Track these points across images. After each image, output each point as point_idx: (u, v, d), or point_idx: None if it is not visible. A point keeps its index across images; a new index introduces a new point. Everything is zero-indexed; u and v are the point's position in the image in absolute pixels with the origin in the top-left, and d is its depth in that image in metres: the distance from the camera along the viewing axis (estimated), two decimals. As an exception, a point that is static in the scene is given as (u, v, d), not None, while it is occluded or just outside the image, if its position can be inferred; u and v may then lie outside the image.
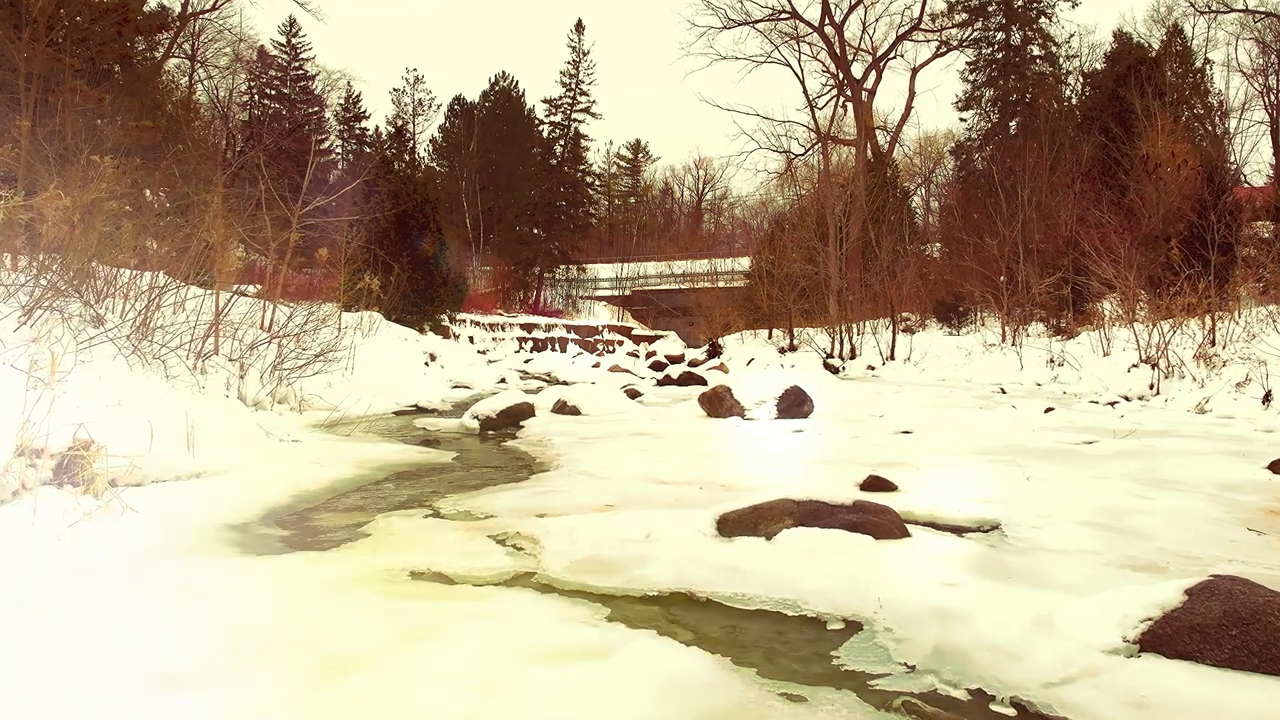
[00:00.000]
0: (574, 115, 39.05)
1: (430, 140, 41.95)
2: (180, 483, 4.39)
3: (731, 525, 3.34)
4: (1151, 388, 10.48)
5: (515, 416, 8.07)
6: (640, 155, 55.09)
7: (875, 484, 4.37)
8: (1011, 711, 2.00)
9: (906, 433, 7.28)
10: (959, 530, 3.82)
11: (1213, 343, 10.49)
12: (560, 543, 3.32)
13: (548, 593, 2.79)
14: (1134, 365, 11.26)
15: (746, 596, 2.76)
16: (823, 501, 3.36)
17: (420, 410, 9.79)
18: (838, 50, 31.32)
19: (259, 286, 10.67)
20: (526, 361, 22.26)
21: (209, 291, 7.56)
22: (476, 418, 7.98)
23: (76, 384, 4.56)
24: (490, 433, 7.72)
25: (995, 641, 2.33)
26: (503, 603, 2.62)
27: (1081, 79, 28.15)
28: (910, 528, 3.56)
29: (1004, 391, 12.26)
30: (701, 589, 2.83)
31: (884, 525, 3.27)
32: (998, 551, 3.41)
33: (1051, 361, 13.86)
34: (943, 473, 5.19)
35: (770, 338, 25.87)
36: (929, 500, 4.25)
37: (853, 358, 20.29)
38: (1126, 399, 10.31)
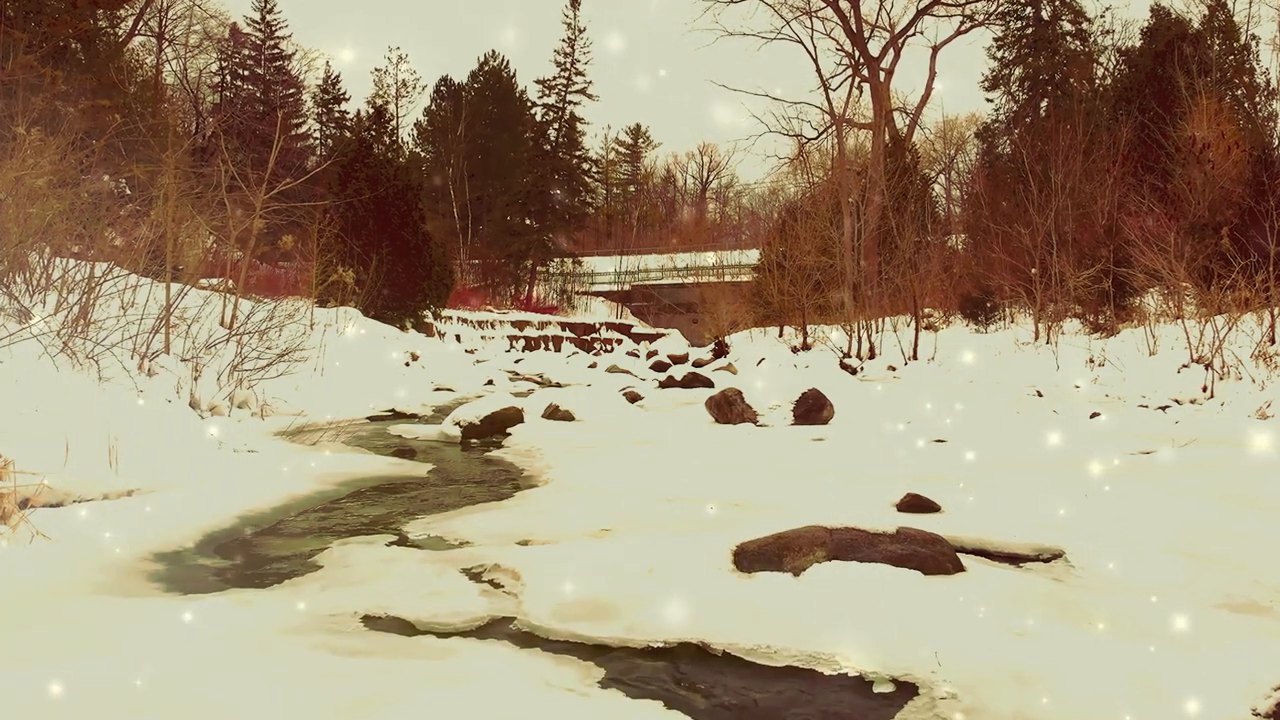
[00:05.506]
0: (569, 97, 38.76)
1: (415, 124, 41.63)
2: (108, 502, 4.03)
3: (751, 558, 2.97)
4: (1205, 390, 10.10)
5: (502, 423, 7.72)
6: (640, 140, 54.74)
7: (914, 504, 4.01)
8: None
9: (939, 441, 6.93)
10: (1016, 559, 3.46)
11: (1272, 340, 10.12)
12: (546, 578, 2.96)
13: (528, 645, 2.43)
14: (1184, 365, 10.89)
15: (772, 649, 2.40)
16: (860, 529, 2.99)
17: (397, 415, 9.44)
18: (853, 26, 30.97)
19: (221, 279, 10.34)
20: (517, 362, 21.91)
21: (154, 282, 7.20)
22: (458, 424, 7.63)
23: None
24: (473, 441, 7.37)
25: (1093, 715, 1.97)
26: (471, 660, 2.26)
27: (1117, 56, 27.79)
28: (960, 557, 3.20)
29: (1040, 394, 11.89)
30: (717, 639, 2.47)
31: (934, 558, 2.91)
32: (1068, 588, 3.05)
33: (1091, 361, 13.49)
34: (987, 488, 4.82)
35: (781, 336, 25.51)
36: (977, 522, 3.89)
37: (872, 357, 19.92)
38: (1178, 403, 9.94)
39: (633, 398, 10.39)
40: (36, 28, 15.33)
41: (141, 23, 27.59)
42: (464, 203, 37.38)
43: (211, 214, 9.75)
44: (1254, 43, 25.59)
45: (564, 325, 33.03)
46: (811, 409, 8.04)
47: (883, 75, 31.07)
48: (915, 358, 18.85)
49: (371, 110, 31.49)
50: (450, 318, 24.85)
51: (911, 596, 2.71)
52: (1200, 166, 16.37)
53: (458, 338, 24.02)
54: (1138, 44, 25.28)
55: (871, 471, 5.35)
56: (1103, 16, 29.88)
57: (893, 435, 7.35)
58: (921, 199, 25.02)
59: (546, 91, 38.88)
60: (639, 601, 2.73)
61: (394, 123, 38.41)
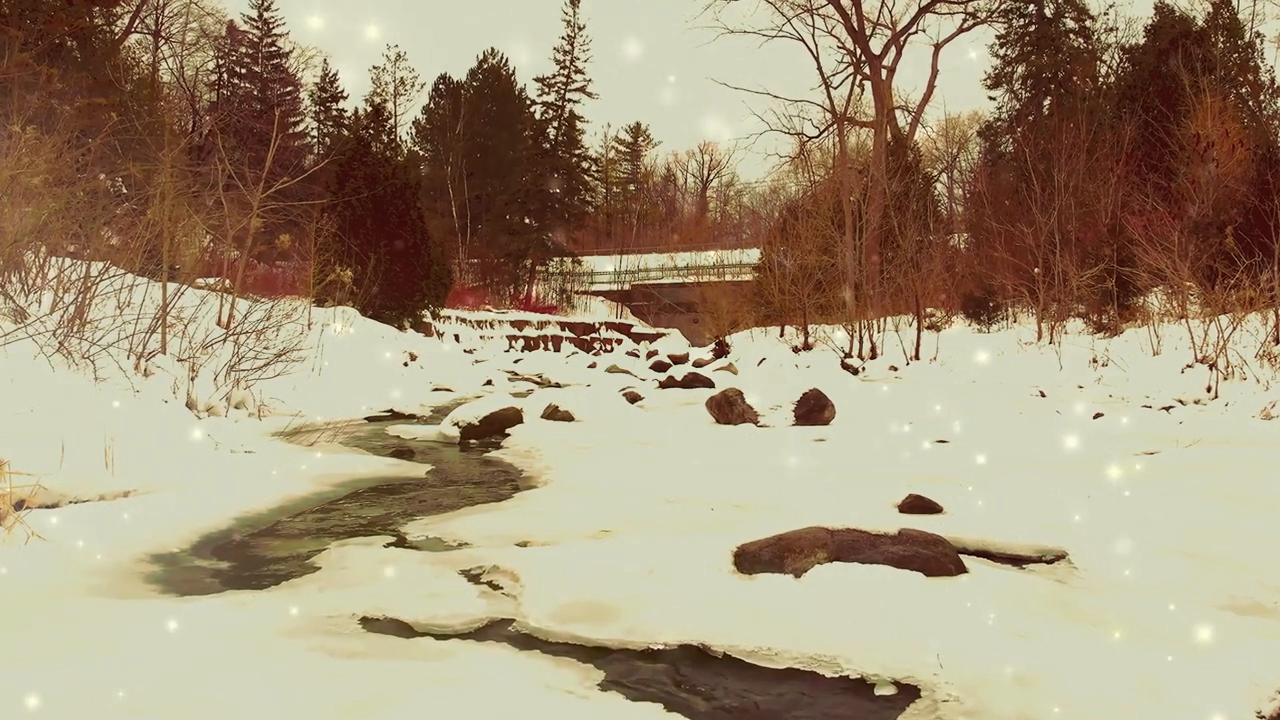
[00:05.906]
0: (568, 95, 38.79)
1: (413, 122, 41.62)
2: (104, 504, 4.04)
3: (752, 559, 2.98)
4: (1209, 390, 10.11)
5: (501, 423, 7.72)
6: (640, 139, 54.74)
7: (916, 504, 4.02)
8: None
9: (942, 442, 6.93)
10: (1019, 561, 3.47)
11: (1277, 340, 10.13)
12: (545, 580, 2.96)
13: (527, 647, 2.43)
14: (1188, 365, 10.89)
15: (773, 651, 2.40)
16: (862, 530, 2.99)
17: (395, 416, 9.45)
18: (855, 24, 31.00)
19: (218, 279, 10.35)
20: (516, 361, 21.93)
21: (150, 281, 7.20)
22: (457, 425, 7.64)
23: (-16, 388, 4.21)
24: (472, 442, 7.38)
25: (1096, 717, 1.97)
26: (470, 662, 2.26)
27: (1120, 54, 27.79)
28: (962, 559, 3.21)
29: (1043, 395, 11.90)
30: (717, 641, 2.47)
31: (936, 559, 2.91)
32: (1070, 589, 3.05)
33: (1094, 361, 13.49)
34: (989, 489, 4.83)
35: (782, 335, 25.51)
36: (979, 523, 3.89)
37: (873, 357, 19.93)
38: (1182, 403, 9.94)
39: (633, 398, 10.40)
40: (32, 25, 15.35)
41: (138, 20, 27.63)
42: (462, 201, 37.38)
43: (208, 213, 9.76)
44: (1258, 40, 25.62)
45: (563, 325, 33.03)
46: (813, 409, 8.04)
47: (884, 73, 31.10)
48: (917, 358, 18.85)
49: (370, 108, 31.55)
50: (449, 317, 24.86)
51: (913, 598, 2.71)
52: (1204, 165, 16.38)
53: (456, 337, 24.04)
54: (1141, 41, 25.29)
55: (873, 472, 5.36)
56: (1106, 14, 29.89)
57: (894, 436, 7.36)
58: (923, 197, 25.03)
59: (546, 89, 38.94)
60: (639, 603, 2.73)
61: (392, 121, 38.44)
